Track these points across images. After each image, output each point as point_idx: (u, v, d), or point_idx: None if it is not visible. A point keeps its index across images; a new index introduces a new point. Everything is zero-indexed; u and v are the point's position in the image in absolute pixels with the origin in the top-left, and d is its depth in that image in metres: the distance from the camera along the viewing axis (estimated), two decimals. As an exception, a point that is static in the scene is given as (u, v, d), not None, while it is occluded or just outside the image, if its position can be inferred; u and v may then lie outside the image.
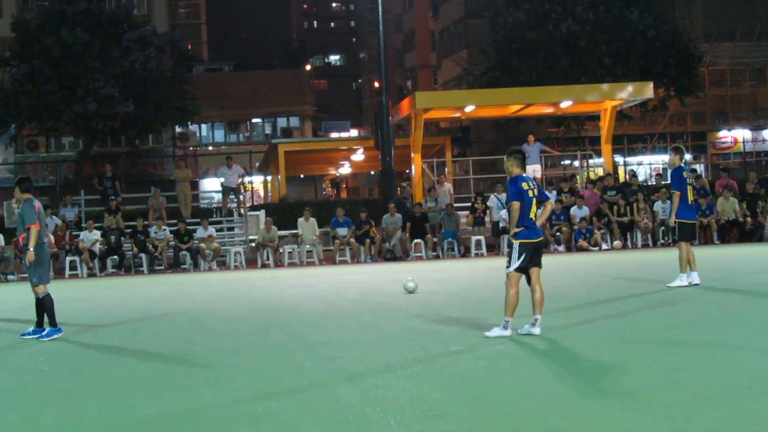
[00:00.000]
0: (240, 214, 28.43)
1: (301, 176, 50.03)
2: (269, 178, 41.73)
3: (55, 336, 11.10)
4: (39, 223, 11.20)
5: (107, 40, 33.30)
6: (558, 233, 24.20)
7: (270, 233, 24.81)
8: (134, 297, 17.38)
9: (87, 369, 9.05)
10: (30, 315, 11.81)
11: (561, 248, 23.98)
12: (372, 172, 50.04)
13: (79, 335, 11.49)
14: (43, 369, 9.24)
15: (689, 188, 13.77)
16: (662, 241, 24.58)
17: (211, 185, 41.37)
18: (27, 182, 11.67)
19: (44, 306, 11.21)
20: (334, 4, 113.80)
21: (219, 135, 54.14)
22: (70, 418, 6.88)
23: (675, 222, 13.76)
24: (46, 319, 11.28)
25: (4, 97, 32.87)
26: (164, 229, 24.89)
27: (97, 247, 24.22)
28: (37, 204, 11.39)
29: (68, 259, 24.08)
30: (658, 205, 24.90)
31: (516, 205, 9.41)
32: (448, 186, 27.33)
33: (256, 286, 18.45)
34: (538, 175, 26.98)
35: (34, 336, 11.18)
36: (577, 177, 28.37)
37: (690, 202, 13.81)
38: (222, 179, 28.82)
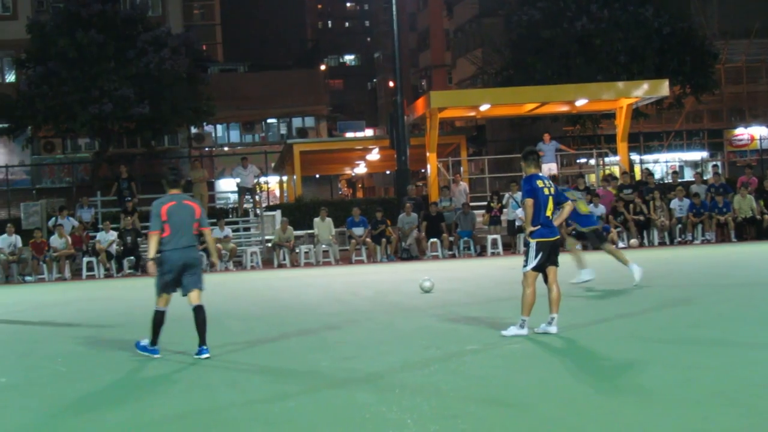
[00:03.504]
0: (256, 215, 28.47)
1: (317, 176, 50.08)
2: (285, 178, 41.79)
3: (146, 354, 9.47)
4: (168, 226, 9.49)
5: (122, 42, 33.37)
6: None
7: (286, 233, 24.84)
8: (150, 297, 17.37)
9: (103, 369, 9.08)
10: (42, 316, 11.82)
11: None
12: (388, 172, 50.06)
13: (96, 335, 11.54)
14: (61, 370, 9.28)
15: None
16: (679, 239, 24.51)
17: (227, 186, 41.46)
18: (171, 175, 9.90)
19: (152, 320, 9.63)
20: (348, 4, 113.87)
21: (234, 135, 54.24)
22: (87, 418, 6.91)
23: None
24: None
25: (21, 99, 33.01)
26: (180, 230, 24.92)
27: (113, 248, 24.31)
28: (167, 204, 9.55)
29: (85, 260, 24.20)
30: (674, 203, 24.81)
31: (529, 202, 9.38)
32: (463, 185, 27.28)
33: (273, 286, 18.48)
34: (554, 173, 26.89)
35: (202, 356, 9.22)
36: (585, 177, 27.83)
37: None
38: (238, 180, 28.87)
